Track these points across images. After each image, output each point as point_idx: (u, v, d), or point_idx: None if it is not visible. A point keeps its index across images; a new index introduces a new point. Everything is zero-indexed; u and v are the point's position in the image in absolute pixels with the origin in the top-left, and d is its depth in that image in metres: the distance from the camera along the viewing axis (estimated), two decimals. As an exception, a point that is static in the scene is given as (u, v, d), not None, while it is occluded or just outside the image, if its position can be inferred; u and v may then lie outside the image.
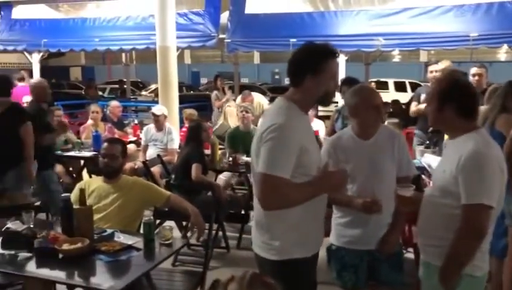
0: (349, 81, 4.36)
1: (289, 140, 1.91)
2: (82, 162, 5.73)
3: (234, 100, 8.48)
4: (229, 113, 8.43)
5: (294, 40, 7.19)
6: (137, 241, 2.65)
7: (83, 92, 14.26)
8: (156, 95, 17.34)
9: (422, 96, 5.35)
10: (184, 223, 4.10)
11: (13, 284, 2.83)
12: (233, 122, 8.27)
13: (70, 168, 5.57)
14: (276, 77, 25.43)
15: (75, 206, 2.70)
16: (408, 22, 6.86)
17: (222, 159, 4.85)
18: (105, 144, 3.26)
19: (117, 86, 18.87)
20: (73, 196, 2.97)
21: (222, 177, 5.10)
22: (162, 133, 5.89)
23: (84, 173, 5.77)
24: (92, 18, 8.73)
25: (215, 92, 8.82)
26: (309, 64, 2.00)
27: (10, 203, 3.93)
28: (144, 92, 18.85)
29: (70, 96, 16.02)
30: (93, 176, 5.92)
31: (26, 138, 4.26)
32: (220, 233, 4.43)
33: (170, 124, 6.11)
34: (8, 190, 4.15)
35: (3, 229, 2.65)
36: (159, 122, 5.81)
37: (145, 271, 2.41)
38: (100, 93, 16.14)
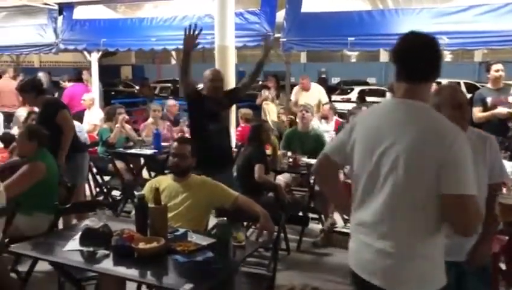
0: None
1: None
2: (142, 159, 5.84)
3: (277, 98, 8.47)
4: (268, 110, 8.40)
5: (353, 38, 7.03)
6: (211, 242, 2.63)
7: (137, 91, 14.58)
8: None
9: (489, 100, 5.10)
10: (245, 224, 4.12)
11: (88, 278, 2.88)
12: (274, 118, 8.21)
13: (131, 165, 5.66)
14: (323, 76, 25.18)
15: (150, 205, 2.71)
16: (474, 20, 6.53)
17: (282, 160, 4.78)
18: (175, 144, 3.27)
19: (168, 84, 19.25)
20: (146, 193, 3.00)
21: (281, 178, 5.04)
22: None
23: (144, 170, 5.88)
24: (149, 18, 8.86)
25: (264, 91, 8.82)
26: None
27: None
28: (192, 91, 19.07)
29: (123, 95, 16.49)
30: (152, 173, 6.06)
31: (64, 124, 4.50)
32: (281, 235, 4.37)
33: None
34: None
35: (81, 226, 2.69)
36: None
37: (226, 274, 2.37)
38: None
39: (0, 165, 4.12)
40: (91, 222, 2.69)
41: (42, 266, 3.70)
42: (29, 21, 10.30)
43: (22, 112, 7.49)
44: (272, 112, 8.04)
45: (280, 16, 7.99)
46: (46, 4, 9.46)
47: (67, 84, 9.34)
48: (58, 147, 4.31)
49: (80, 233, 2.65)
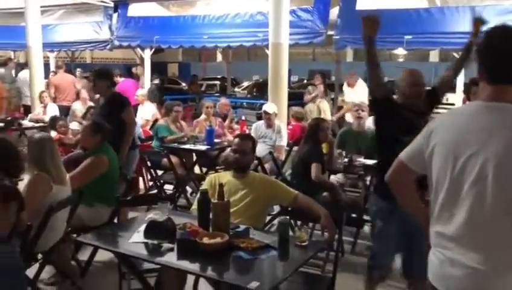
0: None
1: None
2: (194, 155, 5.90)
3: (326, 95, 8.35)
4: (323, 109, 8.27)
5: (410, 37, 6.84)
6: (273, 240, 2.60)
7: (186, 88, 14.75)
8: (249, 92, 17.76)
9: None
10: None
11: (149, 270, 2.91)
12: (327, 117, 8.07)
13: (184, 160, 5.73)
14: (364, 76, 24.61)
15: (213, 200, 2.71)
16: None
17: (337, 160, 4.69)
18: (236, 140, 3.26)
19: (214, 82, 19.42)
20: (206, 187, 3.00)
21: (335, 178, 4.96)
22: (272, 130, 5.90)
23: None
24: (201, 15, 8.97)
25: (309, 87, 8.72)
26: None
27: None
28: (236, 89, 19.23)
29: (171, 91, 16.77)
30: (203, 169, 6.12)
31: (128, 120, 4.60)
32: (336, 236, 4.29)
33: (279, 121, 6.09)
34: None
35: (146, 219, 2.72)
36: (270, 119, 5.82)
37: (291, 273, 2.34)
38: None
39: (64, 158, 4.25)
40: (155, 215, 2.71)
41: (101, 256, 3.80)
42: (85, 18, 10.65)
43: (77, 106, 7.76)
44: (326, 110, 7.94)
45: (333, 13, 7.88)
46: (102, 2, 9.73)
47: (119, 80, 9.57)
48: (118, 140, 4.39)
49: (144, 225, 2.68)
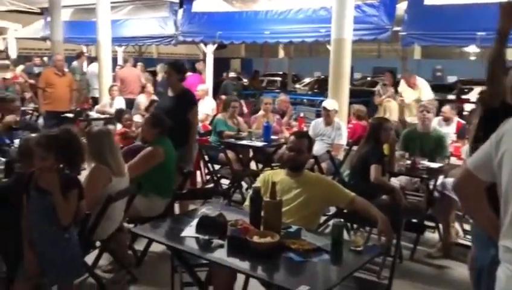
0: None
1: None
2: (251, 151, 5.89)
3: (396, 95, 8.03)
4: (390, 109, 7.96)
5: (483, 33, 6.40)
6: (325, 243, 2.50)
7: (247, 83, 14.82)
8: (310, 89, 17.57)
9: None
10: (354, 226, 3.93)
11: (201, 265, 2.91)
12: (394, 117, 7.78)
13: (240, 156, 5.73)
14: (438, 74, 23.52)
15: (265, 199, 2.66)
16: None
17: (399, 162, 4.48)
18: (292, 138, 3.18)
19: (275, 78, 19.39)
20: (259, 184, 2.95)
21: (395, 181, 4.74)
22: (331, 128, 5.75)
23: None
24: (264, 11, 8.94)
25: (378, 86, 8.42)
26: None
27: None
28: (297, 85, 19.08)
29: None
30: (259, 165, 6.09)
31: (193, 119, 4.61)
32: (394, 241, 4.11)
33: (339, 119, 5.93)
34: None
35: (198, 213, 2.72)
36: (330, 117, 5.68)
37: (343, 278, 2.23)
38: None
39: (124, 149, 4.37)
40: (208, 209, 2.70)
41: (156, 247, 3.86)
42: (152, 14, 10.97)
43: (141, 99, 7.99)
44: (393, 110, 7.65)
45: (400, 8, 7.57)
46: (171, -3, 9.96)
47: (187, 74, 9.71)
48: (180, 135, 4.42)
49: (196, 220, 2.67)
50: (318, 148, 5.59)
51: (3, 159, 3.85)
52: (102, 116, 7.75)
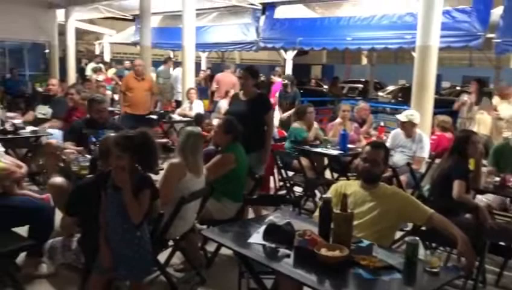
0: None
1: None
2: (326, 159, 5.77)
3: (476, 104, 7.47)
4: (481, 121, 7.41)
5: None
6: (398, 261, 2.35)
7: (326, 90, 14.62)
8: (394, 97, 16.92)
9: None
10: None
11: (268, 272, 2.87)
12: (485, 131, 7.23)
13: (315, 164, 5.63)
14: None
15: (335, 210, 2.57)
16: None
17: (486, 178, 4.14)
18: (367, 148, 3.05)
19: (356, 85, 18.95)
20: (330, 195, 2.86)
21: (482, 199, 4.39)
22: (411, 140, 5.45)
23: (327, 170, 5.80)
24: (346, 17, 8.78)
25: (462, 96, 7.90)
26: None
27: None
28: (380, 93, 18.48)
29: (313, 93, 16.81)
30: (334, 174, 5.95)
31: (270, 123, 4.59)
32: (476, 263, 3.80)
33: (421, 130, 5.62)
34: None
35: (266, 220, 2.69)
36: (405, 128, 5.39)
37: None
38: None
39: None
40: (275, 217, 2.66)
41: (227, 250, 3.88)
42: (235, 20, 11.21)
43: (223, 104, 8.16)
44: (485, 124, 7.13)
45: (494, 14, 7.05)
46: (251, 4, 10.11)
47: (277, 79, 9.76)
48: (255, 140, 4.42)
49: (263, 227, 2.64)
50: (397, 160, 5.34)
51: (88, 156, 4.09)
52: (184, 118, 8.02)
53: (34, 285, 3.53)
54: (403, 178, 4.91)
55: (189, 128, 3.76)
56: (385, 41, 8.16)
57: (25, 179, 4.06)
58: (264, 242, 2.56)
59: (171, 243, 3.58)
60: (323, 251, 2.35)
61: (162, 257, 3.48)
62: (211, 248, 4.01)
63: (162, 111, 8.50)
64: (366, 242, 2.54)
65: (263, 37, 10.16)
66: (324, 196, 2.68)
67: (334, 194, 2.91)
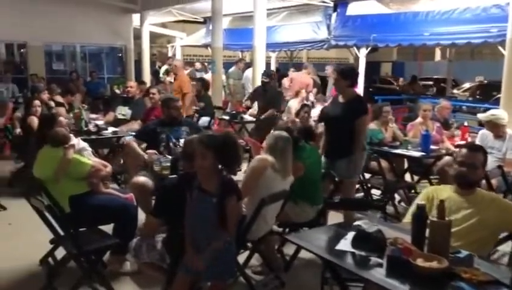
0: None
1: None
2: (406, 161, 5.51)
3: None
4: None
5: None
6: (505, 275, 2.15)
7: (401, 87, 14.03)
8: (471, 95, 15.96)
9: None
10: None
11: (353, 280, 2.76)
12: None
13: (394, 165, 5.39)
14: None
15: (430, 218, 2.40)
16: None
17: None
18: (464, 150, 2.83)
19: (429, 82, 18.14)
20: (422, 201, 2.68)
21: None
22: (502, 141, 5.07)
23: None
24: (424, 12, 8.37)
25: None
26: None
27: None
28: (455, 91, 17.52)
29: (384, 91, 16.27)
30: (415, 177, 5.67)
31: (362, 129, 4.35)
32: None
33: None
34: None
35: (354, 226, 2.57)
36: (491, 128, 5.01)
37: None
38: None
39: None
40: (364, 224, 2.53)
41: (305, 253, 3.79)
42: (305, 19, 11.09)
43: (293, 103, 8.06)
44: None
45: None
46: (323, 2, 9.94)
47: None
48: (344, 144, 4.27)
49: (351, 233, 2.53)
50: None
51: (169, 157, 4.16)
52: (254, 119, 8.02)
53: (119, 282, 3.65)
54: (494, 182, 4.57)
55: (276, 132, 3.70)
56: (468, 36, 7.67)
57: (108, 178, 4.22)
58: (353, 250, 2.44)
59: (249, 244, 3.56)
60: (420, 261, 2.19)
61: (240, 259, 3.46)
62: (288, 250, 3.95)
63: (233, 112, 8.56)
64: (464, 253, 2.34)
65: (334, 34, 9.96)
66: (417, 201, 2.52)
67: (426, 200, 2.74)
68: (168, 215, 2.96)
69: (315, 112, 7.33)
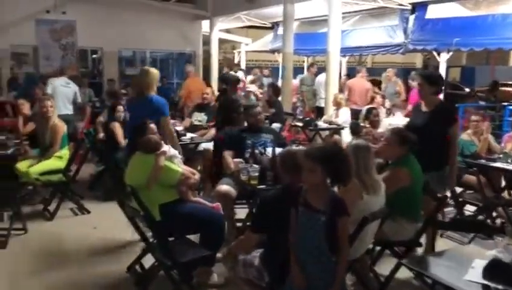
0: None
1: None
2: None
3: None
4: None
5: None
6: None
7: (484, 95, 13.15)
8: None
9: None
10: None
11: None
12: None
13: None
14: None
15: None
16: None
17: None
18: None
19: (506, 88, 16.97)
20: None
21: None
22: None
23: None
24: (515, 13, 7.79)
25: None
26: None
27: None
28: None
29: (456, 98, 15.41)
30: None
31: (454, 139, 4.06)
32: None
33: None
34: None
35: (487, 255, 2.29)
36: None
37: None
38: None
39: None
40: (499, 252, 2.25)
41: (403, 273, 3.52)
42: (378, 23, 10.70)
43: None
44: None
45: None
46: (400, 5, 9.54)
47: (414, 85, 9.13)
48: (436, 156, 3.97)
49: (479, 262, 2.26)
50: None
51: (256, 166, 4.02)
52: (330, 126, 7.77)
53: (207, 294, 3.55)
54: None
55: (354, 142, 3.46)
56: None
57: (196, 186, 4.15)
58: (485, 282, 2.17)
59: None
60: None
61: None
62: (381, 270, 3.69)
63: (307, 118, 8.36)
64: None
65: (412, 38, 9.51)
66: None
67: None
68: (268, 231, 2.81)
69: (395, 121, 6.98)
